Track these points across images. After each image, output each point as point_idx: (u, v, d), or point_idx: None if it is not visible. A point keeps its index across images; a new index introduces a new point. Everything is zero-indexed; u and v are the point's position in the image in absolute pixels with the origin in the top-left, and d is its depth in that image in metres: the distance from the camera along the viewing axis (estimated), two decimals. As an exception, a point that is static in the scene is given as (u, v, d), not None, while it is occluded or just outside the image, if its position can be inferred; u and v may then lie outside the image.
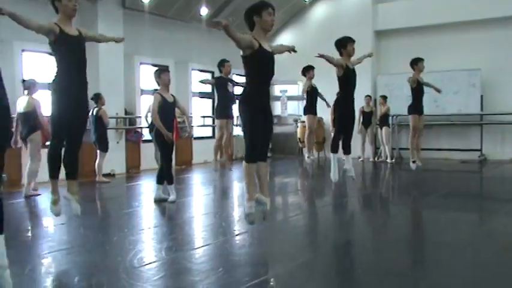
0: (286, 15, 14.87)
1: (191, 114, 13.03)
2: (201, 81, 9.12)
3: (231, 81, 8.89)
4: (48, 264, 4.34)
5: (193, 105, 13.30)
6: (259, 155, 4.41)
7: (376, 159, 12.82)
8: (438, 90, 9.10)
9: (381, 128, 12.57)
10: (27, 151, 7.61)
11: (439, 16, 12.97)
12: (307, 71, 10.28)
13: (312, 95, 10.34)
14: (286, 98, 14.67)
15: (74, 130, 4.81)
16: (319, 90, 10.47)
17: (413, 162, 9.17)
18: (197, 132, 13.28)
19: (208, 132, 13.86)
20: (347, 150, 7.39)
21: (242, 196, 7.72)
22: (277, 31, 15.20)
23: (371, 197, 7.62)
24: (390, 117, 12.62)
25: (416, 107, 9.02)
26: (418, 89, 8.92)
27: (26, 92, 7.79)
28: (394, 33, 13.93)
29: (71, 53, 4.68)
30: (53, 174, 4.88)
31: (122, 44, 10.64)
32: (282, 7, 14.30)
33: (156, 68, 7.32)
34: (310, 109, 10.49)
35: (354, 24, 13.95)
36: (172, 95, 6.99)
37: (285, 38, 15.26)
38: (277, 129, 15.15)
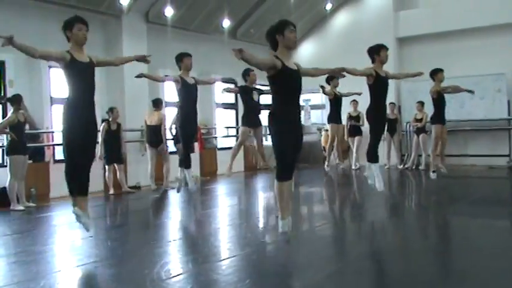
0: (308, 24, 14.89)
1: (215, 125, 13.11)
2: (225, 90, 9.11)
3: (256, 89, 8.85)
4: (76, 277, 4.39)
5: (217, 116, 13.37)
6: (291, 173, 4.36)
7: (403, 166, 12.67)
8: (471, 91, 9.04)
9: (418, 136, 12.37)
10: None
11: (462, 21, 12.81)
12: (332, 79, 10.26)
13: (335, 104, 10.29)
14: (310, 107, 14.66)
15: (84, 148, 4.96)
16: (346, 91, 10.44)
17: (434, 172, 9.08)
18: (221, 142, 13.33)
19: (232, 142, 13.90)
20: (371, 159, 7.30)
21: (267, 207, 7.73)
22: (299, 41, 15.21)
23: (399, 204, 7.52)
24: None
25: (438, 117, 8.94)
26: (439, 100, 8.85)
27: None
28: (417, 39, 13.80)
29: (81, 79, 4.84)
30: (72, 191, 4.98)
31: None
32: (303, 17, 14.34)
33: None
34: (333, 118, 10.43)
35: (375, 31, 13.87)
36: (193, 78, 7.11)
37: (306, 48, 15.29)
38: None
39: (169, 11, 11.04)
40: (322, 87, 8.85)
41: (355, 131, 12.49)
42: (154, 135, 10.08)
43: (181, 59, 7.02)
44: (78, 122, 4.82)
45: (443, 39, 13.34)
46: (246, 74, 8.69)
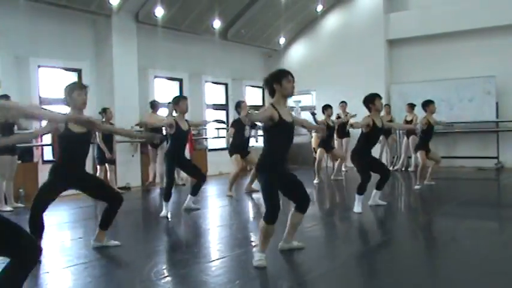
0: (298, 26, 14.92)
1: (205, 126, 13.10)
2: (217, 121, 9.33)
3: (249, 124, 9.12)
4: (65, 278, 4.36)
5: (208, 116, 13.35)
6: (277, 216, 4.39)
7: (392, 168, 12.73)
8: (450, 126, 9.56)
9: (408, 137, 12.42)
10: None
11: (452, 24, 12.90)
12: (326, 108, 10.60)
13: (327, 132, 10.43)
14: (300, 109, 14.68)
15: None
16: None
17: (418, 185, 9.17)
18: (212, 144, 13.33)
19: (222, 143, 13.89)
20: (381, 187, 7.30)
21: (257, 208, 7.73)
22: (289, 42, 15.26)
23: (388, 206, 7.55)
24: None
25: (424, 145, 9.15)
26: (428, 131, 9.01)
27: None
28: (407, 41, 13.88)
29: (75, 147, 4.83)
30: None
31: (136, 58, 10.99)
32: (294, 18, 14.36)
33: (174, 96, 7.50)
34: (324, 143, 10.64)
35: (366, 33, 13.96)
36: (186, 121, 7.20)
37: (297, 49, 15.32)
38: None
39: (159, 11, 11.01)
40: (313, 114, 9.09)
41: (343, 132, 12.52)
42: None
43: (178, 102, 7.07)
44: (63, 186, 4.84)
45: (433, 42, 13.43)
46: (238, 106, 9.03)
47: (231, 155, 9.01)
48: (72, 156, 4.82)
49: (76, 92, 4.76)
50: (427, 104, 9.01)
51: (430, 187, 9.33)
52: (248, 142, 9.10)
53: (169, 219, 6.93)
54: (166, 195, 7.10)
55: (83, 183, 4.98)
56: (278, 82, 4.46)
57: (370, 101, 6.95)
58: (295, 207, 4.66)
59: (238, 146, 8.93)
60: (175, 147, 7.06)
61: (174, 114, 7.21)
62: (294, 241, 4.89)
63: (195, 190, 7.49)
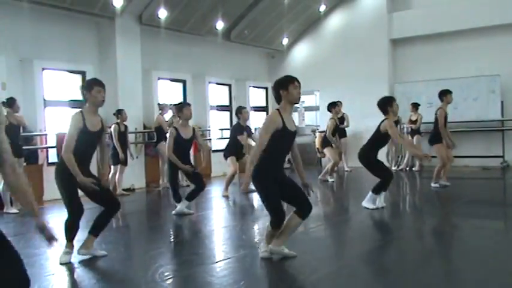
0: (301, 26, 14.90)
1: (209, 127, 13.10)
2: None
3: (248, 128, 9.35)
4: (71, 278, 4.37)
5: (211, 118, 13.36)
6: (284, 220, 4.43)
7: (397, 167, 12.70)
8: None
9: (412, 137, 12.38)
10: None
11: (455, 23, 12.86)
12: (333, 106, 10.54)
13: (333, 129, 10.40)
14: (304, 109, 14.67)
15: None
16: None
17: (435, 183, 9.00)
18: (216, 144, 13.33)
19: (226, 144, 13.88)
20: (378, 191, 7.11)
21: (261, 208, 7.72)
22: (293, 42, 15.25)
23: (394, 205, 7.53)
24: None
25: (440, 138, 8.79)
26: (444, 122, 8.73)
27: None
28: (410, 41, 13.85)
29: (87, 146, 4.77)
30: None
31: (140, 59, 11.00)
32: (297, 18, 14.35)
33: (177, 102, 7.56)
34: (329, 141, 10.56)
35: (369, 33, 13.93)
36: (193, 128, 7.22)
37: (300, 49, 15.30)
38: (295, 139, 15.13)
39: (162, 13, 11.02)
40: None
41: (339, 133, 12.44)
42: (153, 137, 10.73)
43: (181, 109, 7.08)
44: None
45: (437, 41, 13.39)
46: (238, 112, 9.13)
47: (226, 158, 9.13)
48: (83, 155, 4.75)
49: (96, 88, 4.74)
50: (445, 94, 8.75)
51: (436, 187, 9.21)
52: (242, 148, 9.17)
53: (192, 212, 7.14)
54: (175, 198, 7.18)
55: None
56: (285, 88, 4.43)
57: (389, 104, 6.85)
58: (295, 210, 4.54)
59: (233, 149, 9.03)
60: (176, 154, 7.01)
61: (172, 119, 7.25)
62: (284, 247, 4.55)
63: (191, 196, 7.26)
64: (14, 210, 7.81)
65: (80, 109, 4.81)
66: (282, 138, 4.39)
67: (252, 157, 4.38)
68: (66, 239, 4.71)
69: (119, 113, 9.59)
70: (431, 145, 9.04)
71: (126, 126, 9.72)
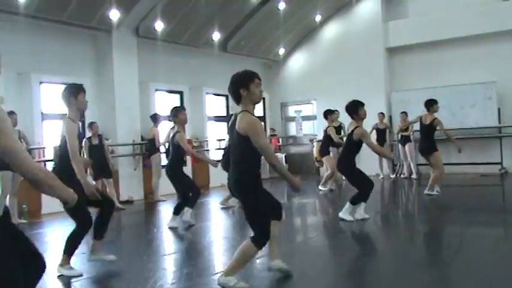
0: (297, 36, 14.97)
1: (207, 138, 13.11)
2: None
3: None
4: (69, 294, 4.34)
5: (209, 128, 13.37)
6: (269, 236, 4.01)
7: (396, 175, 12.70)
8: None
9: (404, 145, 12.42)
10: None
11: (451, 30, 12.93)
12: (330, 114, 10.46)
13: (329, 137, 10.37)
14: (301, 119, 14.69)
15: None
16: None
17: (433, 190, 8.96)
18: (214, 155, 13.31)
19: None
20: (356, 202, 6.92)
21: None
22: (289, 52, 15.30)
23: (392, 213, 7.51)
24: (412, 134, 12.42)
25: (435, 145, 8.77)
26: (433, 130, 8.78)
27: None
28: (407, 49, 13.91)
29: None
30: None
31: (137, 71, 11.03)
32: (293, 29, 14.41)
33: (174, 107, 7.31)
34: (327, 150, 10.52)
35: (365, 42, 14.00)
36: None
37: (297, 59, 15.36)
38: (293, 149, 15.16)
39: (159, 25, 11.07)
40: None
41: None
42: (147, 148, 10.60)
43: (176, 114, 6.90)
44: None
45: (433, 49, 13.45)
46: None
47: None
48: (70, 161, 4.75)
49: (82, 94, 4.79)
50: (431, 104, 8.74)
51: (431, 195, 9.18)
52: None
53: (193, 223, 7.06)
54: (189, 205, 6.99)
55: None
56: (245, 87, 3.85)
57: (358, 108, 6.68)
58: (251, 238, 4.00)
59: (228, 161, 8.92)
60: (180, 159, 6.99)
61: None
62: (278, 260, 4.35)
63: (192, 202, 7.07)
64: (22, 221, 7.80)
65: (68, 116, 4.77)
66: None
67: (279, 163, 3.93)
68: (65, 253, 4.69)
69: (90, 126, 9.32)
70: (430, 154, 8.83)
71: (100, 138, 9.36)
